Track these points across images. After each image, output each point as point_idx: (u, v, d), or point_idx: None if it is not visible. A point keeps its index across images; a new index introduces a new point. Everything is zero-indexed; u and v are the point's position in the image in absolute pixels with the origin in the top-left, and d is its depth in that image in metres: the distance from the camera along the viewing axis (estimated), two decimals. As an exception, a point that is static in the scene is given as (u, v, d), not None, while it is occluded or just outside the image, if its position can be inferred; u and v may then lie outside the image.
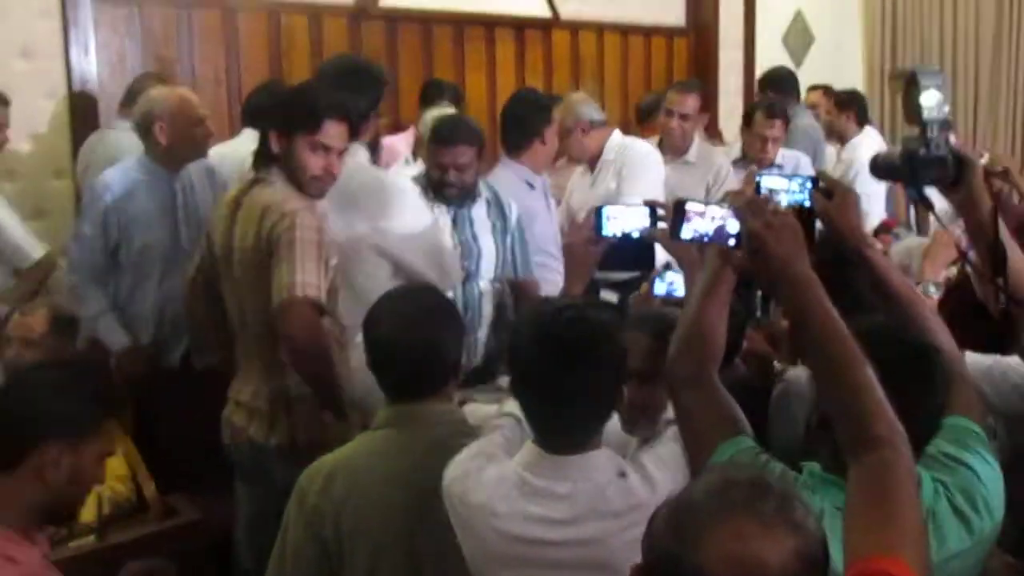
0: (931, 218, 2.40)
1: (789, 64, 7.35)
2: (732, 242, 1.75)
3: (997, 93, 8.31)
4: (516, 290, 3.67)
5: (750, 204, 1.70)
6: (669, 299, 2.63)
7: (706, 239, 1.77)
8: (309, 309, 2.68)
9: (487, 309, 3.64)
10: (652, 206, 2.50)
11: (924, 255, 3.04)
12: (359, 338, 2.41)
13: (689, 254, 2.30)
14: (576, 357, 1.85)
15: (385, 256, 3.25)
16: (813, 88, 6.74)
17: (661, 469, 1.90)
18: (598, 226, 2.50)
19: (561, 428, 1.90)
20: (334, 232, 2.92)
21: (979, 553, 1.77)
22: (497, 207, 3.67)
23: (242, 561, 3.05)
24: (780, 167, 4.86)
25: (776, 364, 2.68)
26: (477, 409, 2.61)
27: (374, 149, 3.73)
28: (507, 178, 3.94)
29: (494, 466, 1.95)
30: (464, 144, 3.51)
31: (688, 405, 1.85)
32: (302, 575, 2.18)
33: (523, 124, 4.02)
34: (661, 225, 2.43)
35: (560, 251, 3.71)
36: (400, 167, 4.68)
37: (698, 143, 4.85)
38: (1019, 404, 2.28)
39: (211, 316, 3.13)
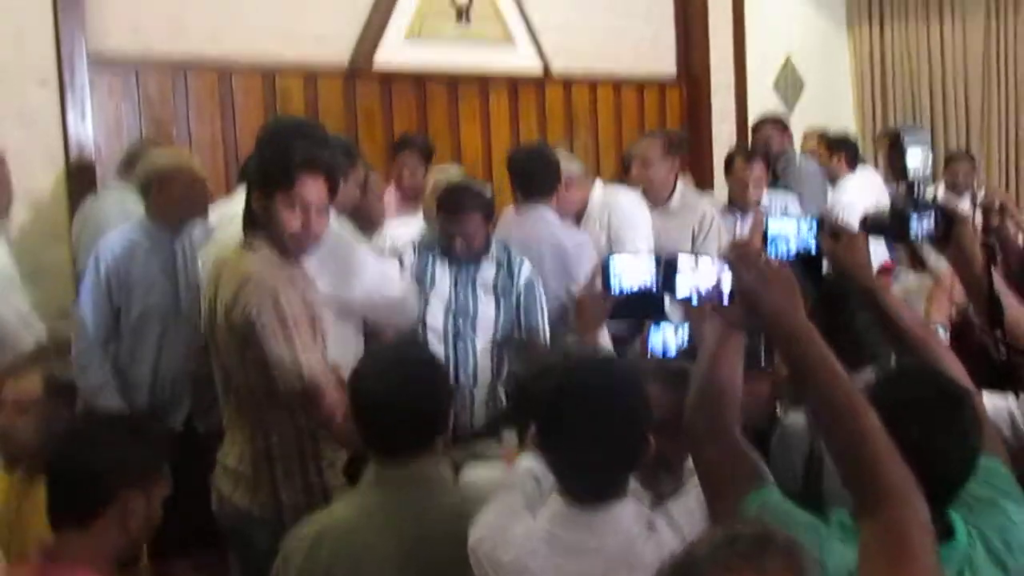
0: (931, 258, 2.43)
1: (782, 110, 7.42)
2: (726, 298, 1.73)
3: (989, 131, 8.39)
4: (519, 349, 3.66)
5: (741, 257, 1.67)
6: (664, 356, 2.64)
7: (701, 295, 1.76)
8: (331, 389, 2.65)
9: (483, 368, 3.62)
10: (657, 256, 2.52)
11: (928, 298, 3.04)
12: None
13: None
14: (602, 407, 1.84)
15: (349, 315, 3.23)
16: (808, 133, 6.80)
17: (690, 521, 1.88)
18: (606, 280, 2.52)
19: (588, 480, 1.88)
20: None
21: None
22: (507, 269, 3.67)
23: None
24: (766, 208, 4.92)
25: (778, 409, 2.66)
26: (475, 471, 2.59)
27: (357, 215, 3.68)
28: (545, 220, 4.00)
29: (520, 523, 1.93)
30: (471, 212, 3.56)
31: (708, 459, 1.81)
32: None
33: (547, 172, 4.09)
34: None
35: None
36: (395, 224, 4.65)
37: (681, 190, 4.77)
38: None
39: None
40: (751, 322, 1.66)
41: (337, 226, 3.33)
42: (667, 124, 7.22)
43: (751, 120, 6.92)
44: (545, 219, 4.01)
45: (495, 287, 3.65)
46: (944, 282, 2.99)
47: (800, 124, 7.40)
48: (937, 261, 2.38)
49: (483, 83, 6.27)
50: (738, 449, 1.80)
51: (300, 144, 2.92)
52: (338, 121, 5.44)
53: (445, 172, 4.64)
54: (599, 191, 4.48)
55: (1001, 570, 1.69)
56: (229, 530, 2.93)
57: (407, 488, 2.19)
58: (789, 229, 2.10)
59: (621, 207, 4.40)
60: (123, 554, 2.08)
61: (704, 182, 6.97)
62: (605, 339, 2.83)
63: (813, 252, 2.05)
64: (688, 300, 1.77)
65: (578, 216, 4.44)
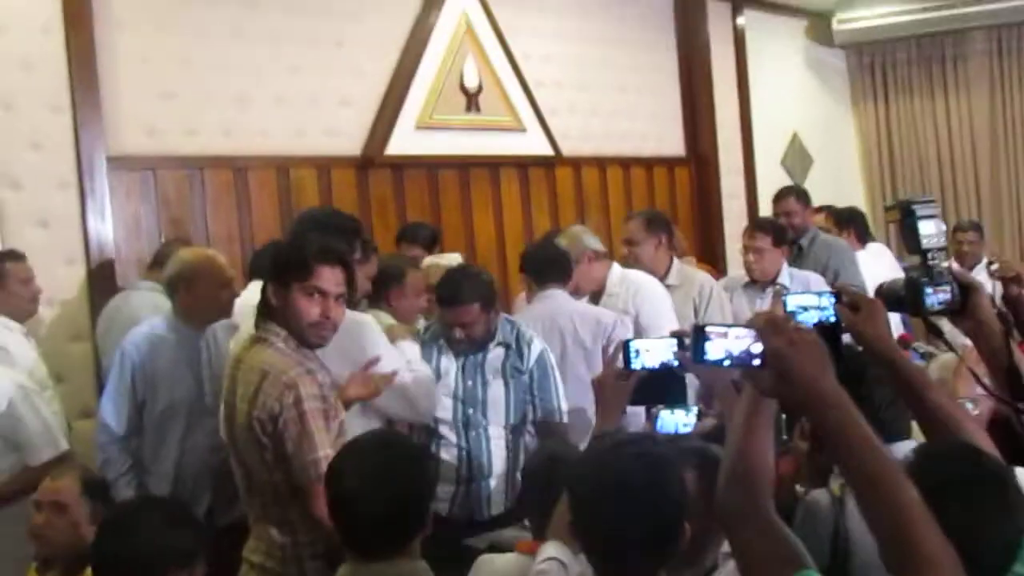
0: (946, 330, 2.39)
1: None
2: (757, 362, 1.71)
3: (999, 202, 8.40)
4: (542, 431, 3.62)
5: (770, 323, 1.63)
6: (676, 436, 2.61)
7: (730, 361, 1.73)
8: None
9: (497, 456, 3.58)
10: (679, 336, 2.50)
11: (955, 374, 3.00)
12: None
13: (722, 381, 2.27)
14: (637, 497, 1.81)
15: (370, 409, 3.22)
16: (816, 209, 6.82)
17: None
18: (627, 360, 2.49)
19: (625, 570, 1.86)
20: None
21: None
22: (516, 350, 3.63)
23: None
24: (786, 287, 4.87)
25: (798, 487, 2.63)
26: (491, 561, 2.56)
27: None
28: (562, 299, 4.06)
29: None
30: (468, 304, 3.49)
31: (743, 541, 1.73)
32: None
33: (559, 261, 4.17)
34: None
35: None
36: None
37: (678, 266, 4.86)
38: None
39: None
40: (781, 388, 1.63)
41: (370, 317, 3.36)
42: (677, 202, 7.29)
43: (767, 194, 6.93)
44: (561, 298, 4.06)
45: (503, 369, 3.61)
46: (970, 357, 2.95)
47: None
48: (952, 334, 2.33)
49: (494, 168, 6.36)
50: (775, 529, 1.73)
51: (315, 235, 2.97)
52: (351, 210, 5.45)
53: (439, 261, 4.57)
54: (617, 272, 4.52)
55: None
56: None
57: None
58: (808, 302, 2.09)
59: (643, 289, 4.44)
60: None
61: (716, 258, 7.01)
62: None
63: (832, 325, 2.02)
64: (716, 364, 1.74)
65: (594, 296, 4.48)
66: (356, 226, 3.44)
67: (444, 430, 3.58)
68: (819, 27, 8.65)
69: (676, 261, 4.93)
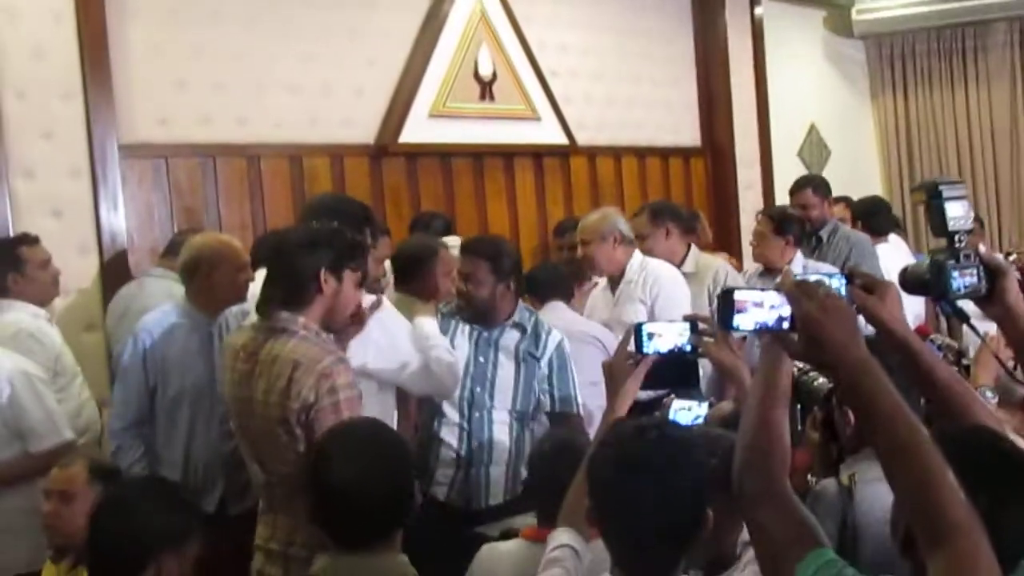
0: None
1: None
2: (786, 325, 1.65)
3: (1019, 191, 8.32)
4: (557, 422, 3.58)
5: (801, 287, 1.61)
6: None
7: (763, 328, 1.68)
8: None
9: (500, 441, 3.52)
10: (693, 320, 2.45)
11: (975, 361, 2.96)
12: None
13: (736, 364, 2.25)
14: (660, 481, 1.77)
15: (390, 385, 3.23)
16: (836, 200, 6.75)
17: None
18: (639, 344, 2.42)
19: (644, 557, 1.82)
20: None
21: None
22: (532, 336, 3.59)
23: None
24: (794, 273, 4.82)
25: (810, 477, 2.59)
26: (495, 548, 2.53)
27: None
28: (564, 312, 4.19)
29: None
30: (475, 256, 3.50)
31: (761, 521, 1.73)
32: None
33: (563, 281, 4.41)
34: (704, 339, 2.40)
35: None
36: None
37: (695, 254, 4.90)
38: None
39: None
40: (811, 352, 1.60)
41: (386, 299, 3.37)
42: (693, 193, 7.25)
43: (784, 185, 6.87)
44: (563, 311, 4.12)
45: (517, 351, 3.57)
46: (991, 343, 2.90)
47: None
48: (979, 323, 2.27)
49: (508, 157, 6.33)
50: (792, 508, 1.72)
51: (326, 223, 2.98)
52: (365, 198, 5.42)
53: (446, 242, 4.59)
54: (637, 259, 4.51)
55: None
56: None
57: None
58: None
59: (662, 278, 4.43)
60: None
61: (732, 249, 6.95)
62: None
63: None
64: (754, 332, 1.69)
65: (613, 281, 4.50)
66: (367, 213, 3.42)
67: (447, 408, 3.53)
68: (838, 18, 8.58)
69: (694, 249, 4.92)
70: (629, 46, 6.98)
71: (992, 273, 1.98)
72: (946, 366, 2.02)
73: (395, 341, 3.23)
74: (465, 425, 3.50)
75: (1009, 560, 1.56)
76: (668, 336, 2.43)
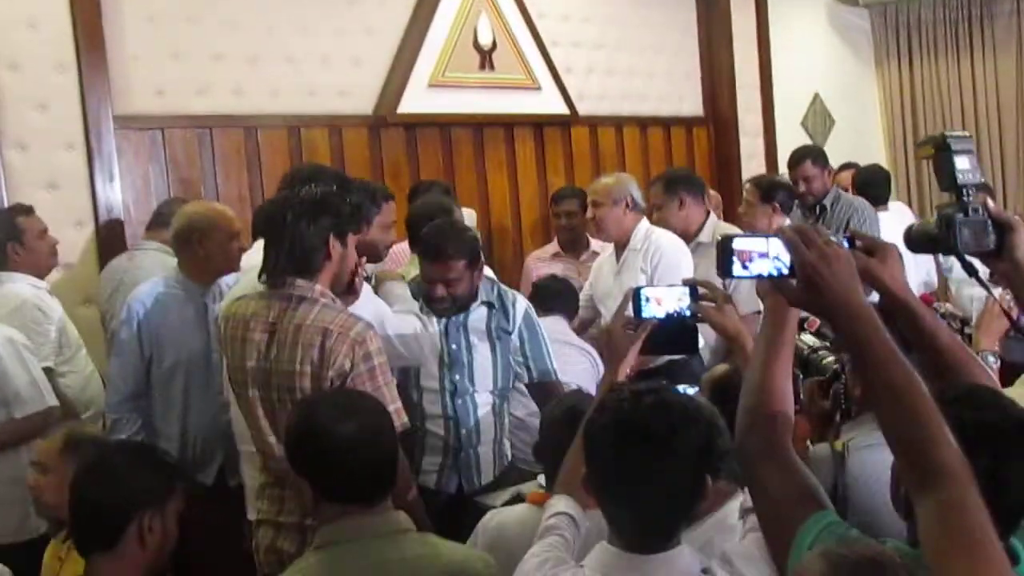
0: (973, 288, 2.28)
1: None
2: (786, 272, 1.64)
3: (1024, 164, 8.25)
4: (537, 392, 3.56)
5: (801, 233, 1.61)
6: None
7: (757, 271, 1.67)
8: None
9: (486, 422, 3.47)
10: (692, 285, 2.42)
11: (977, 326, 2.93)
12: None
13: (739, 329, 2.24)
14: (659, 446, 1.73)
15: None
16: (841, 168, 6.70)
17: (748, 565, 1.80)
18: (637, 309, 2.40)
19: (643, 525, 1.79)
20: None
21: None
22: (501, 309, 3.51)
23: None
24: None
25: (809, 444, 2.57)
26: (499, 513, 2.51)
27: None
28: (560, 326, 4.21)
29: (566, 571, 1.86)
30: (454, 259, 3.33)
31: (764, 482, 1.72)
32: None
33: (571, 295, 4.54)
34: (704, 303, 2.39)
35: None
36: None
37: (712, 223, 4.82)
38: None
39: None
40: (810, 299, 1.59)
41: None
42: (695, 163, 7.19)
43: (787, 155, 6.81)
44: (559, 326, 4.13)
45: (488, 330, 3.48)
46: (992, 309, 2.86)
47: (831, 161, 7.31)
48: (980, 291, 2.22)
49: (508, 127, 6.27)
50: (795, 469, 1.72)
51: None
52: (364, 170, 5.45)
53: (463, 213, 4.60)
54: (643, 227, 4.50)
55: None
56: None
57: (384, 545, 2.14)
58: None
59: (666, 247, 4.41)
60: (150, 571, 2.26)
61: (734, 219, 6.89)
62: None
63: None
64: (756, 278, 1.68)
65: (619, 248, 4.49)
66: (343, 182, 3.42)
67: (429, 398, 3.44)
68: (843, -14, 8.48)
69: (712, 218, 4.86)
70: (631, 15, 6.90)
71: (1001, 228, 1.93)
72: (948, 330, 2.00)
73: (379, 308, 3.21)
74: (451, 413, 3.43)
75: (1013, 518, 1.55)
76: (667, 300, 2.40)
